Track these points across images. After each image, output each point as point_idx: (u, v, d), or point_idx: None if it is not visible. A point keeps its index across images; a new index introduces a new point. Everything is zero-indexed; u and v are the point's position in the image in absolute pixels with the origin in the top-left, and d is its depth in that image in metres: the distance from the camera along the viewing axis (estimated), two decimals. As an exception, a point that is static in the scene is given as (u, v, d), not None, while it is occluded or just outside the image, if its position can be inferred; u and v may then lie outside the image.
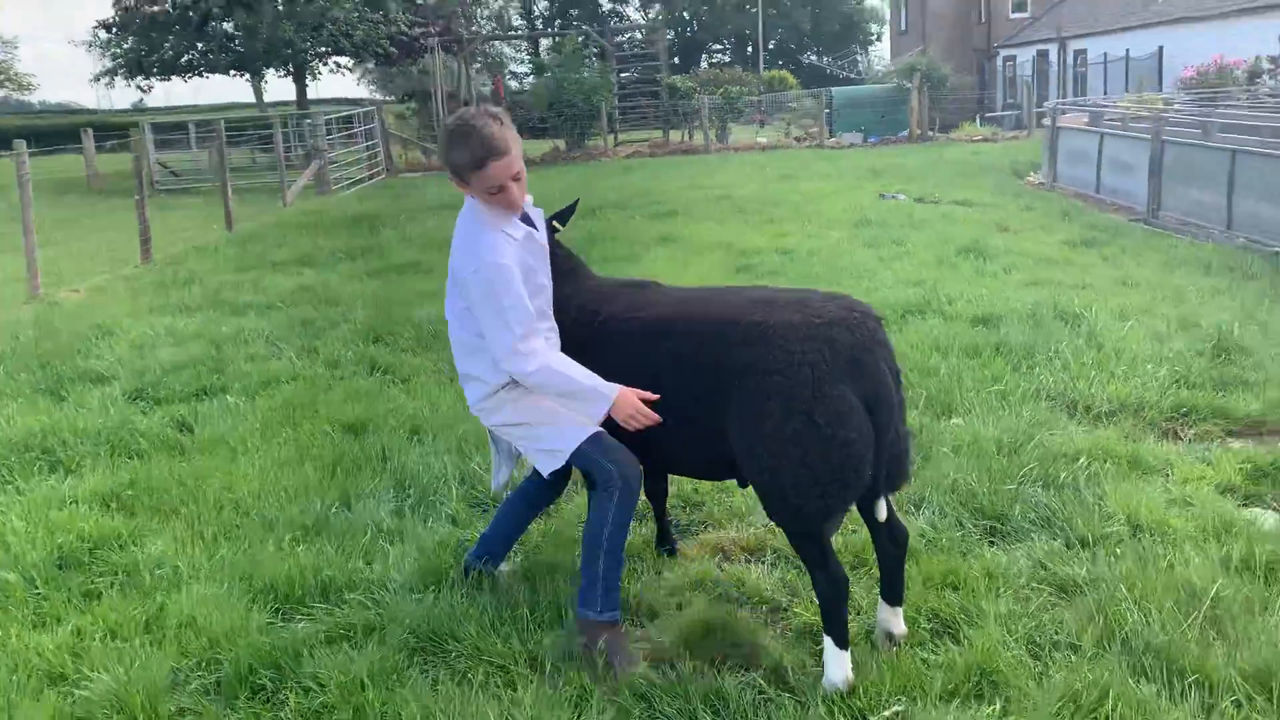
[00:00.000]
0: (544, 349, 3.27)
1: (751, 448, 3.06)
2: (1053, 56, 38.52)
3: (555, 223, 3.95)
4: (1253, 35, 25.23)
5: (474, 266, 3.22)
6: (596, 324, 3.53)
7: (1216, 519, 4.08)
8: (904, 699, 3.03)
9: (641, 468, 3.43)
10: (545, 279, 3.49)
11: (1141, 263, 9.59)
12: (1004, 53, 44.83)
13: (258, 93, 34.48)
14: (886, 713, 2.98)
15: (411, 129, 30.18)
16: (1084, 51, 36.03)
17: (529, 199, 3.42)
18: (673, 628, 3.52)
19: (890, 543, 3.36)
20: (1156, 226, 11.90)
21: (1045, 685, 3.02)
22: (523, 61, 66.78)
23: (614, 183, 19.25)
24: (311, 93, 35.65)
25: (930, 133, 26.22)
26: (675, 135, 31.47)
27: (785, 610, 3.64)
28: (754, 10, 64.27)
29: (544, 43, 66.69)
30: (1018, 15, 45.51)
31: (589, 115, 26.91)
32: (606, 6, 76.03)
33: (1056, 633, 3.35)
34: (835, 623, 3.13)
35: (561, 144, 28.43)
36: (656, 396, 3.25)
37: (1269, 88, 22.87)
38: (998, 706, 2.95)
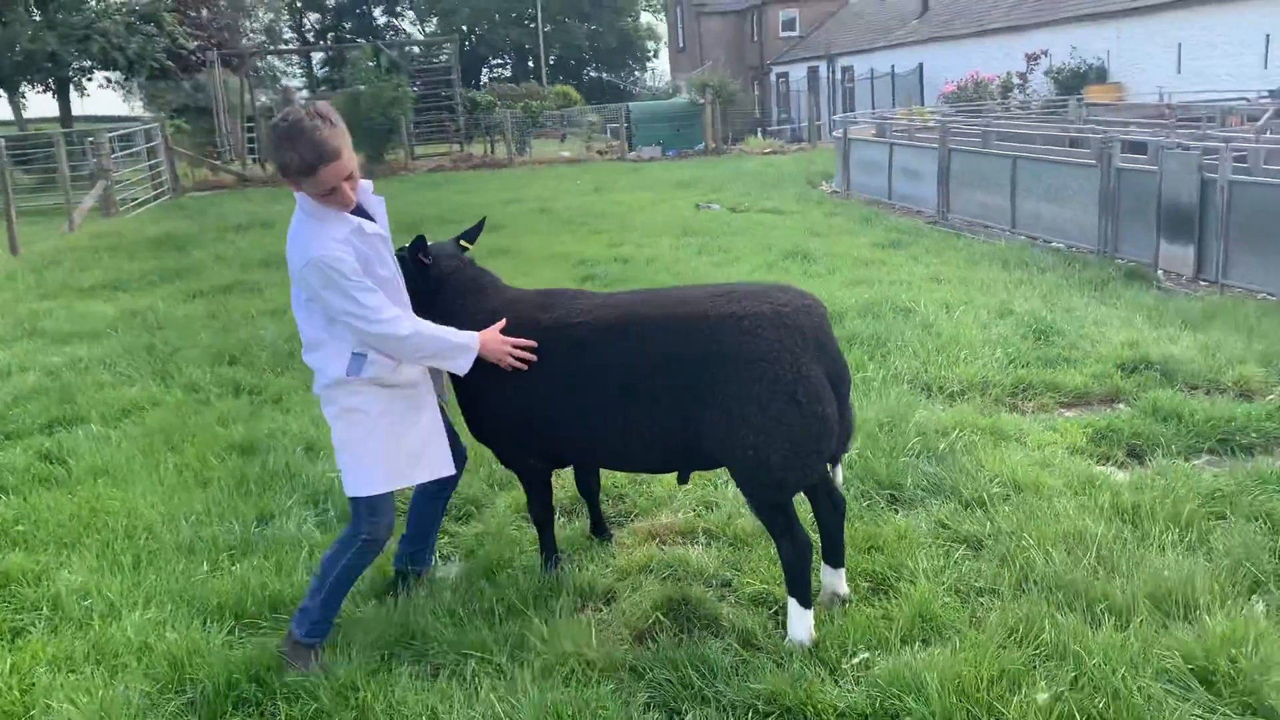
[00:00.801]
0: (406, 314, 3.38)
1: (735, 430, 3.31)
2: (823, 73, 40.90)
3: (464, 241, 4.08)
4: (1000, 54, 27.79)
5: (304, 261, 3.22)
6: (541, 330, 3.63)
7: (1078, 475, 4.68)
8: (865, 648, 3.38)
9: (388, 532, 3.53)
10: (386, 270, 3.42)
11: (945, 260, 10.50)
12: (776, 69, 47.14)
13: (16, 110, 31.86)
14: (855, 660, 3.32)
15: (191, 146, 28.73)
16: (851, 68, 38.42)
17: (369, 185, 3.45)
18: (638, 608, 3.74)
19: (832, 509, 3.70)
20: (947, 228, 13.02)
21: (985, 625, 3.44)
22: (295, 76, 64.69)
23: (426, 197, 19.11)
24: (76, 109, 33.32)
25: (724, 146, 27.39)
26: (475, 149, 31.41)
27: (732, 583, 3.93)
28: (533, 26, 64.74)
29: (317, 56, 64.93)
30: (787, 34, 47.95)
31: (387, 130, 26.51)
32: (381, 20, 74.68)
33: (977, 580, 3.80)
34: (800, 585, 3.44)
35: (361, 159, 27.79)
36: (528, 342, 3.47)
37: (1019, 100, 25.27)
38: (948, 648, 3.33)
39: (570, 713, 3.06)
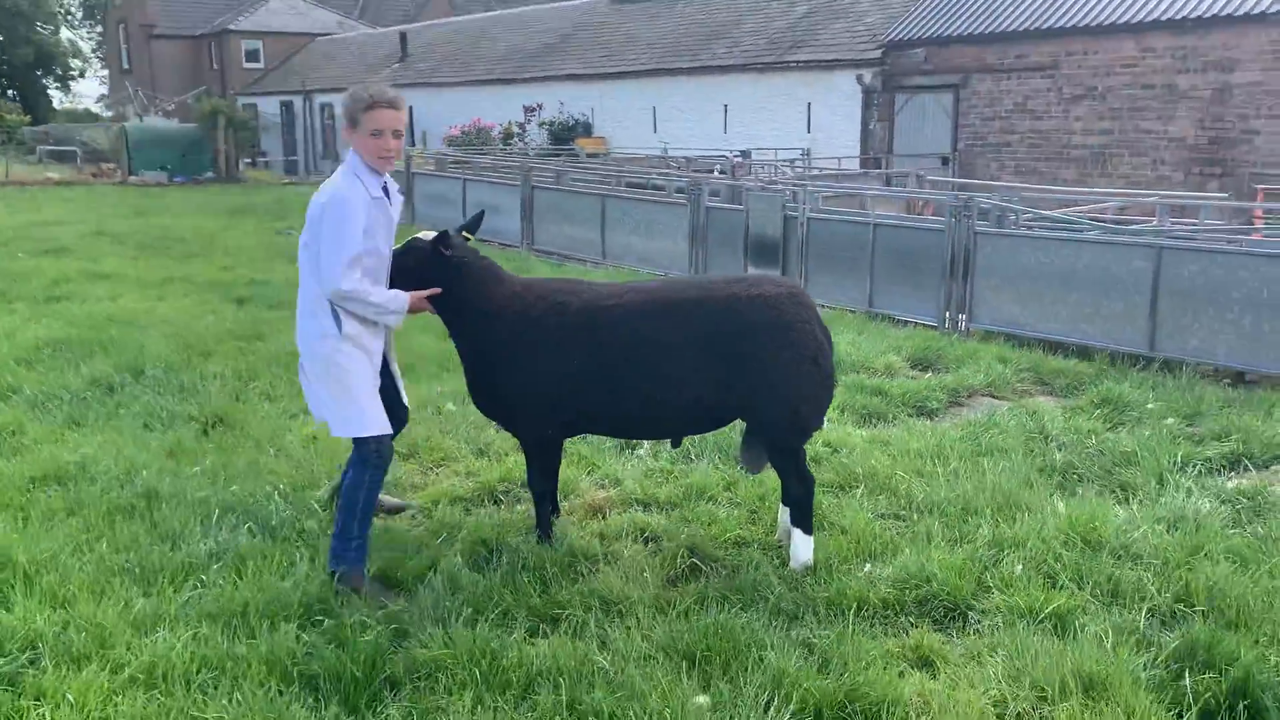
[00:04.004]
0: (365, 280, 3.82)
1: (772, 389, 4.03)
2: (298, 108, 40.36)
3: (465, 233, 4.34)
4: (490, 104, 29.81)
5: (325, 199, 3.81)
6: (573, 312, 4.11)
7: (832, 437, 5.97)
8: (861, 563, 4.26)
9: (391, 449, 4.03)
10: (386, 248, 3.97)
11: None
12: (243, 100, 45.38)
13: None
14: (865, 569, 4.18)
15: None
16: (331, 105, 38.38)
17: (396, 186, 4.05)
18: (652, 562, 4.24)
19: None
20: (539, 255, 14.18)
21: (929, 538, 4.50)
22: None
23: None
24: None
25: (238, 173, 26.04)
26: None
27: (704, 535, 4.56)
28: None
29: None
30: (252, 65, 46.42)
31: None
32: None
33: (892, 510, 4.87)
34: (806, 515, 4.24)
35: None
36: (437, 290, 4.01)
37: (520, 147, 27.44)
38: (921, 555, 4.29)
39: (705, 636, 3.55)
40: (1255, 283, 7.51)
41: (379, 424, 3.93)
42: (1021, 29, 18.32)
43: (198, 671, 3.30)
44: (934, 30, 19.76)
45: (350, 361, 3.87)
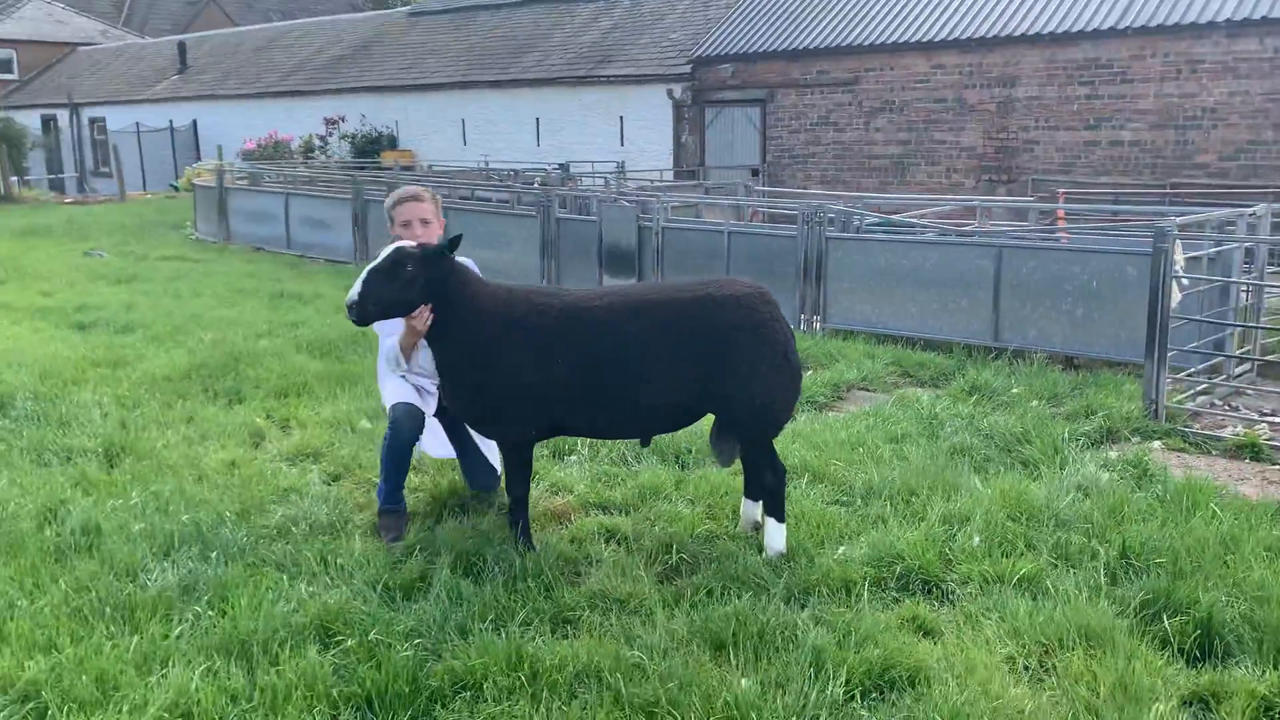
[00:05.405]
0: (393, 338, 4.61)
1: (747, 384, 4.22)
2: (63, 122, 37.56)
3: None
4: (285, 116, 28.74)
5: None
6: (557, 312, 4.23)
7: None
8: (834, 545, 4.50)
9: (414, 423, 4.65)
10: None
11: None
12: (-3, 114, 41.76)
13: None
14: (839, 552, 4.42)
15: None
16: (103, 120, 35.96)
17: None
18: (633, 559, 4.33)
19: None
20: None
21: (881, 518, 4.80)
22: None
23: None
24: None
25: (16, 193, 23.84)
26: None
27: (672, 533, 4.69)
28: None
29: None
30: (5, 76, 42.79)
31: None
32: None
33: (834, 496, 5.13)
34: (779, 504, 4.44)
35: None
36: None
37: (322, 160, 26.61)
38: (881, 533, 4.59)
39: (729, 623, 3.68)
40: (1085, 276, 8.33)
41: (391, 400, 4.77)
42: (823, 46, 19.40)
43: (229, 704, 3.15)
44: (741, 46, 20.61)
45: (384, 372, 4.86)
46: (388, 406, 4.77)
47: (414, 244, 4.28)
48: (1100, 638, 3.52)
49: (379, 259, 4.18)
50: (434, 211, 4.75)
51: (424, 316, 4.22)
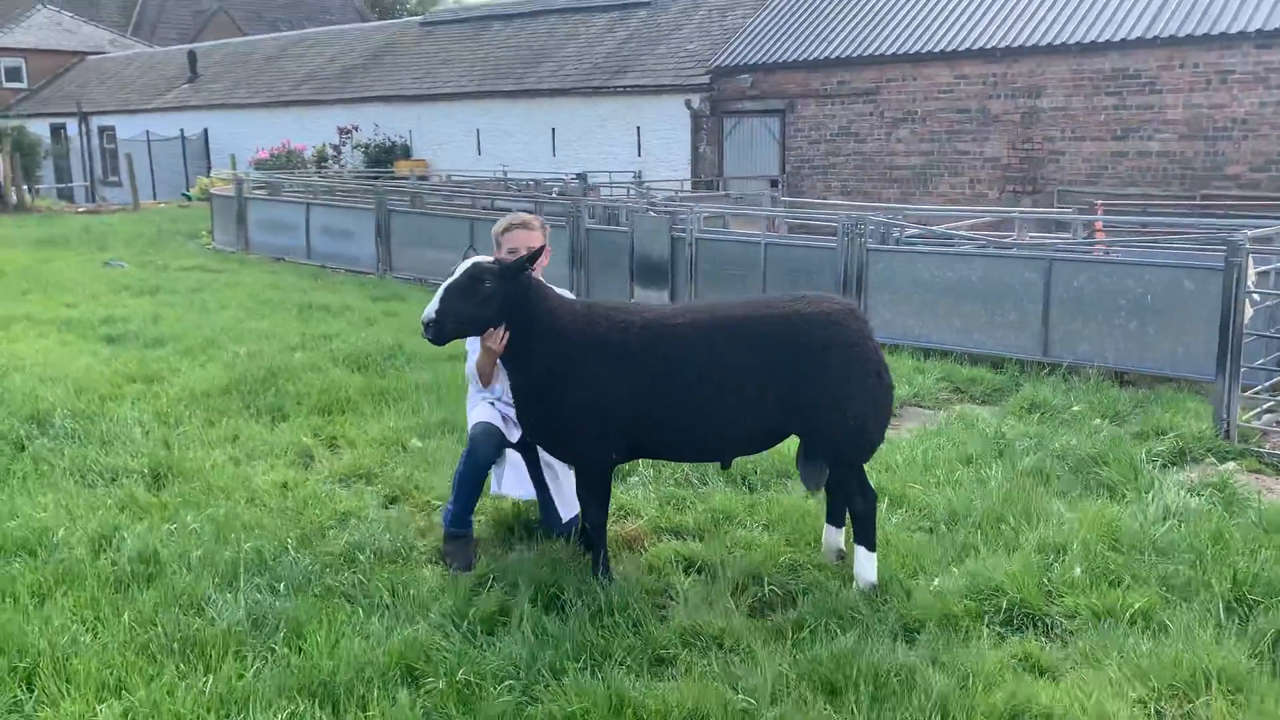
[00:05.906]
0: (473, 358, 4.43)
1: (838, 404, 4.02)
2: (72, 131, 37.44)
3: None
4: (296, 125, 28.61)
5: None
6: (637, 329, 4.07)
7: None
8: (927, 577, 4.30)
9: (491, 442, 4.47)
10: None
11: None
12: (4, 122, 41.63)
13: None
14: (934, 584, 4.20)
15: None
16: (113, 129, 35.85)
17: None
18: (719, 590, 4.12)
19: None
20: (399, 281, 13.67)
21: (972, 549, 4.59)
22: None
23: None
24: None
25: (29, 202, 23.64)
26: None
27: (753, 561, 4.47)
28: None
29: None
30: (14, 84, 42.73)
31: None
32: None
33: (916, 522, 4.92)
34: (869, 531, 4.23)
35: None
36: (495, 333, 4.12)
37: (335, 170, 26.46)
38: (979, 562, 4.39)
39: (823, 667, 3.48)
40: (1140, 290, 8.13)
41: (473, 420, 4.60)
42: (844, 56, 19.24)
43: (324, 752, 2.95)
44: (760, 57, 20.46)
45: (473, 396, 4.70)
46: (469, 421, 4.65)
47: (491, 259, 4.10)
48: (1235, 681, 3.31)
49: (456, 275, 4.01)
50: (543, 239, 4.49)
51: (499, 336, 4.05)
